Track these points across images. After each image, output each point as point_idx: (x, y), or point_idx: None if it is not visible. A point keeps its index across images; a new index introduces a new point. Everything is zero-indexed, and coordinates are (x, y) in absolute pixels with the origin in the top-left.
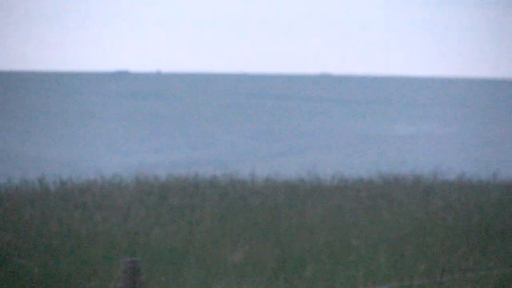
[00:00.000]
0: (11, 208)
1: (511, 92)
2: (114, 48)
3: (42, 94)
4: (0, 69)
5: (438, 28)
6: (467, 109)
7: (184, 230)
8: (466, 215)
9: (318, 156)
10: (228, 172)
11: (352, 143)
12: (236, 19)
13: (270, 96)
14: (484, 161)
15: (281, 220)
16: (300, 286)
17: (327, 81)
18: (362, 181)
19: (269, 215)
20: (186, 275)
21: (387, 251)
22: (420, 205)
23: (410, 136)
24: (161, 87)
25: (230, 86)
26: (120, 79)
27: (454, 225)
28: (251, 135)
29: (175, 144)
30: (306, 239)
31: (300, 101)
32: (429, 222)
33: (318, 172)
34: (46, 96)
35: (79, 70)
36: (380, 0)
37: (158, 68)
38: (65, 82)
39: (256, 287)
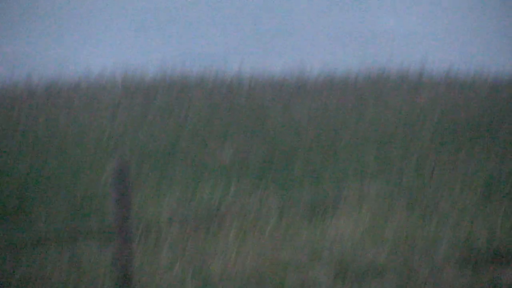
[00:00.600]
0: None
1: None
2: None
3: None
4: None
5: None
6: (455, 2)
7: (170, 129)
8: (454, 111)
9: (303, 52)
10: (214, 70)
11: (338, 38)
12: None
13: None
14: (472, 56)
15: (268, 118)
16: (288, 184)
17: None
18: (348, 78)
19: (256, 113)
20: (174, 176)
21: (375, 148)
22: (407, 101)
23: (396, 31)
24: None
25: None
26: None
27: (442, 121)
28: (235, 29)
29: (160, 43)
30: (294, 136)
31: None
32: (416, 118)
33: (304, 68)
34: None
35: None
36: None
37: None
38: None
39: (244, 186)
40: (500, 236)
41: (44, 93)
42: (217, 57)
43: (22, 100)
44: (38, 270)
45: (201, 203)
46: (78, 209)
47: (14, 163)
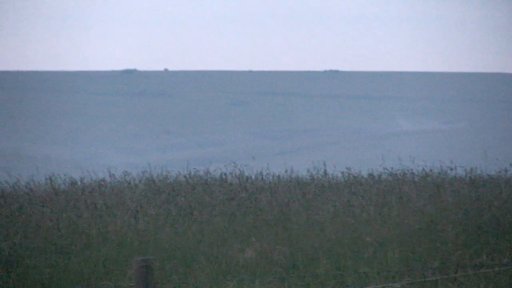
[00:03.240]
0: (21, 209)
1: None
2: (122, 47)
3: (50, 94)
4: (10, 69)
5: (443, 22)
6: (475, 104)
7: (194, 228)
8: (477, 211)
9: (327, 153)
10: (237, 170)
11: (361, 139)
12: (242, 16)
13: (279, 94)
14: (493, 156)
15: (292, 217)
16: (312, 283)
17: (335, 78)
18: (371, 177)
19: (279, 213)
20: (198, 274)
21: (398, 248)
22: (431, 201)
23: (417, 132)
24: (169, 85)
25: (238, 84)
26: (128, 77)
27: (466, 221)
28: (259, 133)
29: (184, 143)
30: (317, 236)
31: (309, 98)
32: (440, 218)
33: (327, 168)
34: (54, 95)
35: (87, 69)
36: None
37: (165, 67)
38: (73, 81)
39: (268, 285)
40: None
41: (67, 192)
42: (241, 157)
43: (47, 200)
44: None
45: None
46: None
47: (39, 261)
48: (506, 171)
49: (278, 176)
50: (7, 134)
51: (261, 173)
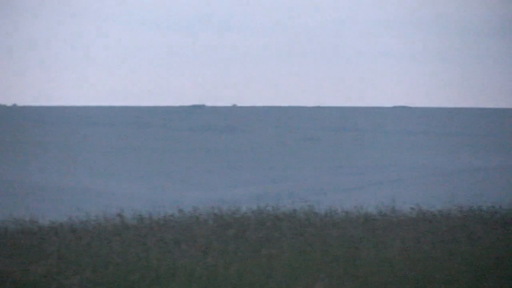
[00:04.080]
0: (90, 244)
1: None
2: (190, 82)
3: (119, 129)
4: (76, 104)
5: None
6: None
7: (263, 264)
8: None
9: (395, 189)
10: (306, 206)
11: (428, 175)
12: (310, 51)
13: (347, 129)
14: None
15: (360, 254)
16: None
17: (403, 114)
18: (440, 214)
19: (348, 249)
20: None
21: (467, 285)
22: (500, 238)
23: (485, 168)
24: (237, 121)
25: (307, 120)
26: (196, 113)
27: None
28: (328, 168)
29: (252, 178)
30: (386, 272)
31: (377, 133)
32: (509, 255)
33: (395, 205)
34: (123, 131)
35: (155, 104)
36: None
37: (233, 102)
38: (141, 117)
39: None
40: None
41: (136, 227)
42: (310, 193)
43: (116, 234)
44: None
45: None
46: None
47: None
48: None
49: (347, 212)
50: (76, 169)
51: (330, 208)
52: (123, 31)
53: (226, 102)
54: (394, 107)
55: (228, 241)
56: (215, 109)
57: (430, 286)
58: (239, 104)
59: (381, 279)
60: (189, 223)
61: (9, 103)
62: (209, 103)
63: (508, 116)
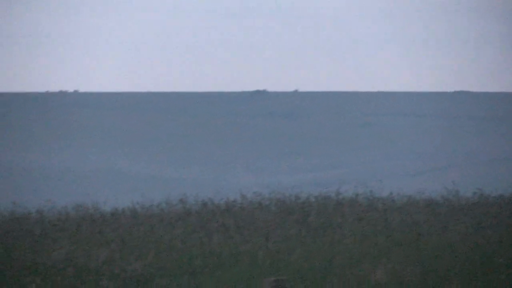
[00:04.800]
0: (152, 230)
1: None
2: (252, 68)
3: (183, 115)
4: (143, 90)
5: None
6: None
7: (325, 249)
8: None
9: (455, 174)
10: (368, 191)
11: (491, 160)
12: (368, 37)
13: (408, 114)
14: None
15: (423, 238)
16: None
17: (464, 98)
18: (501, 198)
19: (410, 233)
20: None
21: None
22: None
23: None
24: (299, 106)
25: (368, 105)
26: (258, 98)
27: None
28: (389, 154)
29: (314, 164)
30: (448, 256)
31: (436, 119)
32: None
33: (458, 189)
34: (187, 117)
35: (218, 90)
36: None
37: (295, 87)
38: (204, 103)
39: None
40: None
41: (198, 213)
42: (370, 178)
43: (178, 220)
44: None
45: None
46: None
47: (170, 281)
48: None
49: (409, 197)
50: (140, 157)
51: (391, 193)
52: (187, 17)
53: (288, 88)
54: (455, 92)
55: (290, 227)
56: (276, 95)
57: (493, 271)
58: (300, 90)
59: (443, 264)
60: (251, 208)
61: (71, 89)
62: (271, 88)
63: None
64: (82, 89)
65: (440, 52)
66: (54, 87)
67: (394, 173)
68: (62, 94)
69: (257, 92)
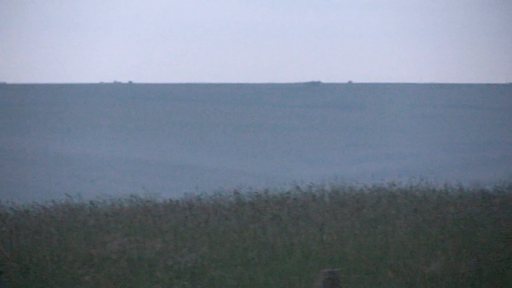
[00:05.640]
0: (207, 221)
1: None
2: (307, 60)
3: (237, 106)
4: (199, 81)
5: None
6: None
7: (379, 241)
8: None
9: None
10: (422, 183)
11: None
12: (426, 28)
13: (467, 106)
14: None
15: (477, 230)
16: None
17: None
18: None
19: (464, 225)
20: (383, 286)
21: None
22: None
23: None
24: (353, 97)
25: (423, 96)
26: (313, 90)
27: None
28: (446, 145)
29: (368, 155)
30: (503, 249)
31: (492, 110)
32: None
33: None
34: (239, 108)
35: (273, 82)
36: None
37: (349, 79)
38: (259, 94)
39: None
40: None
41: (253, 205)
42: (427, 170)
43: (232, 212)
44: None
45: None
46: None
47: (225, 273)
48: None
49: (463, 189)
50: (193, 147)
51: (445, 185)
52: (245, 11)
53: (342, 79)
54: (511, 84)
55: (344, 218)
56: (331, 86)
57: None
58: (354, 81)
59: (498, 256)
60: (306, 200)
61: (125, 80)
62: (325, 80)
63: None
64: (136, 80)
65: (495, 44)
66: (108, 78)
67: (448, 165)
68: (117, 85)
69: (312, 84)
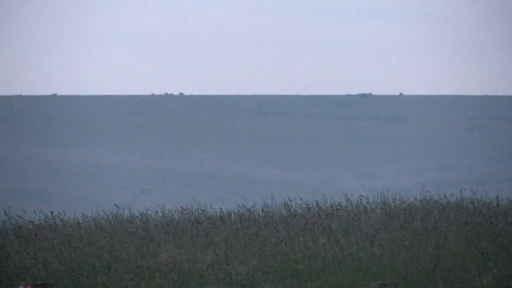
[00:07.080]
0: (257, 233)
1: None
2: (358, 71)
3: (287, 118)
4: (245, 93)
5: None
6: None
7: (430, 253)
8: None
9: None
10: (472, 195)
11: None
12: (478, 40)
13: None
14: None
15: None
16: None
17: None
18: None
19: None
20: None
21: None
22: None
23: None
24: (404, 109)
25: (472, 108)
26: (363, 101)
27: None
28: (494, 158)
29: (418, 167)
30: None
31: None
32: None
33: None
34: (291, 120)
35: (324, 93)
36: None
37: (400, 91)
38: (309, 106)
39: None
40: None
41: (303, 217)
42: (476, 182)
43: (283, 224)
44: None
45: None
46: None
47: (275, 285)
48: None
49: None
50: (242, 159)
51: (496, 198)
52: (295, 21)
53: (393, 91)
54: None
55: (395, 230)
56: (381, 98)
57: None
58: (405, 93)
59: None
60: (356, 212)
61: (176, 92)
62: (375, 92)
63: None
64: (186, 92)
65: None
66: (159, 90)
67: (498, 178)
68: (168, 97)
69: (363, 96)
